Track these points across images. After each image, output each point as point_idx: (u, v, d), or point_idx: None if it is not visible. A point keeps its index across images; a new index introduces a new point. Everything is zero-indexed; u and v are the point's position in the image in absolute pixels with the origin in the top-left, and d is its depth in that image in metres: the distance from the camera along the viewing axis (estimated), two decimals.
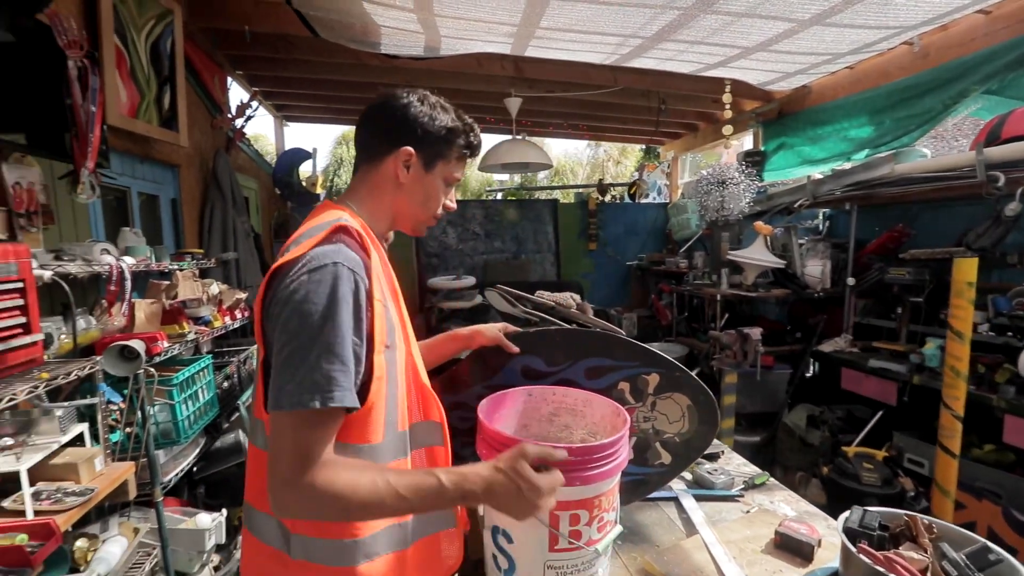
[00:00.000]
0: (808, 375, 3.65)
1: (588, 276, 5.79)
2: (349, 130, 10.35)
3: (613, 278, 5.85)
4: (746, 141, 5.18)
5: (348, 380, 0.71)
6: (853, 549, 0.85)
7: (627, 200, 6.35)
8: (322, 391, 0.68)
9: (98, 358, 1.53)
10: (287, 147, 4.94)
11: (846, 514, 0.95)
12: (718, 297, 3.42)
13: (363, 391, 0.76)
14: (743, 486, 1.35)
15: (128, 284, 1.81)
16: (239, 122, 3.57)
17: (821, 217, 3.85)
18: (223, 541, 1.96)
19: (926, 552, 0.86)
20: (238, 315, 2.60)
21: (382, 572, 0.79)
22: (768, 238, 3.33)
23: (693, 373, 1.14)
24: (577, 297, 2.24)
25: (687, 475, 1.42)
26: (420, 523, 0.86)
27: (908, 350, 2.71)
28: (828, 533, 1.11)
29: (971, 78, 2.61)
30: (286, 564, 0.79)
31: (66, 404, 1.45)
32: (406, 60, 3.29)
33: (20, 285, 1.36)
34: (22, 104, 1.58)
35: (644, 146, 6.30)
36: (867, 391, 2.90)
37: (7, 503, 1.27)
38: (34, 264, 1.44)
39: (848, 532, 0.91)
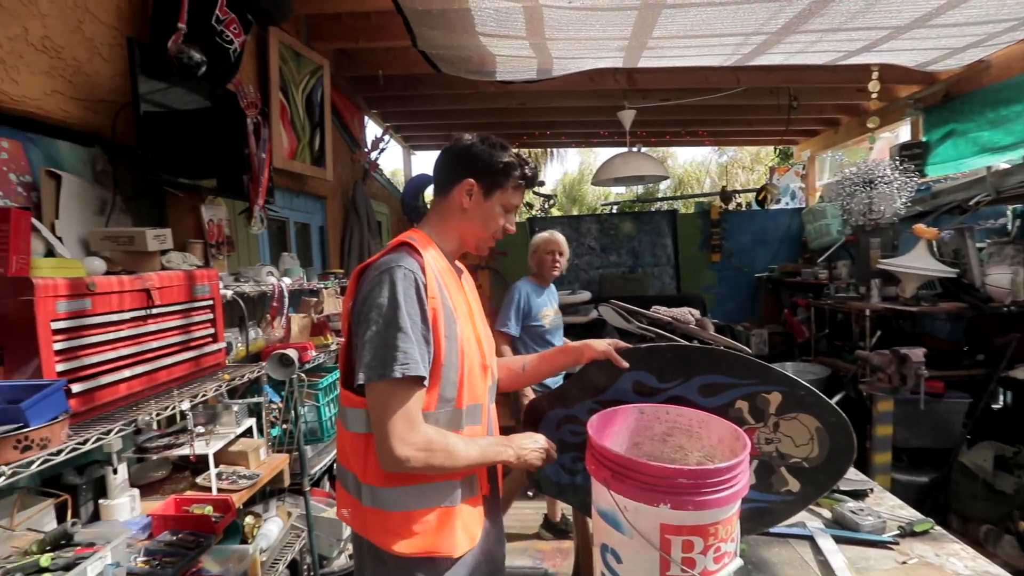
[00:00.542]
0: (995, 407, 3.01)
1: (711, 289, 5.43)
2: None
3: (739, 291, 5.42)
4: (902, 132, 4.52)
5: (419, 354, 0.90)
6: None
7: (755, 207, 5.87)
8: (401, 363, 0.88)
9: (263, 364, 1.80)
10: (414, 173, 5.41)
11: None
12: (867, 312, 2.99)
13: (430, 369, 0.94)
14: (898, 532, 1.16)
15: (286, 301, 2.12)
16: (374, 155, 4.00)
17: (1010, 215, 3.20)
18: None
19: None
20: None
21: (432, 520, 0.97)
22: (933, 243, 2.84)
23: (831, 399, 1.02)
24: (696, 312, 2.14)
25: (825, 512, 1.26)
26: (464, 487, 1.02)
27: None
28: None
29: None
30: (359, 509, 0.99)
31: (240, 401, 1.73)
32: (520, 84, 3.43)
33: (211, 302, 1.66)
34: (215, 156, 1.96)
35: (778, 148, 5.77)
36: None
37: (199, 479, 1.55)
38: (221, 285, 1.76)
39: None
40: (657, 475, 0.80)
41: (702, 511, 0.79)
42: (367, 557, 1.01)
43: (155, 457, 1.50)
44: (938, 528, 1.17)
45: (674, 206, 8.17)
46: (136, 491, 1.37)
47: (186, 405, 1.37)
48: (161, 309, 1.42)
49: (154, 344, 1.39)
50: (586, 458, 0.94)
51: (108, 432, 1.10)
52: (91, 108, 1.50)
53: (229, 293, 1.81)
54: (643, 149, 5.00)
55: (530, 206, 7.16)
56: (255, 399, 1.80)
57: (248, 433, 1.77)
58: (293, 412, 1.96)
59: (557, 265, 2.60)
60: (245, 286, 1.93)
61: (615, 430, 1.05)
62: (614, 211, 7.85)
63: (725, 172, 11.12)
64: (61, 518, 1.22)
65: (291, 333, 2.23)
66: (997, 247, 2.92)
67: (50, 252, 1.30)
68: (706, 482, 0.79)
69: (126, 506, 1.31)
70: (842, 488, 1.32)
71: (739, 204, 6.08)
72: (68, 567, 0.98)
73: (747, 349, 2.14)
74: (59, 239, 1.36)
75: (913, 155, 3.71)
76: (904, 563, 1.06)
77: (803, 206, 5.40)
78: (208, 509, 1.35)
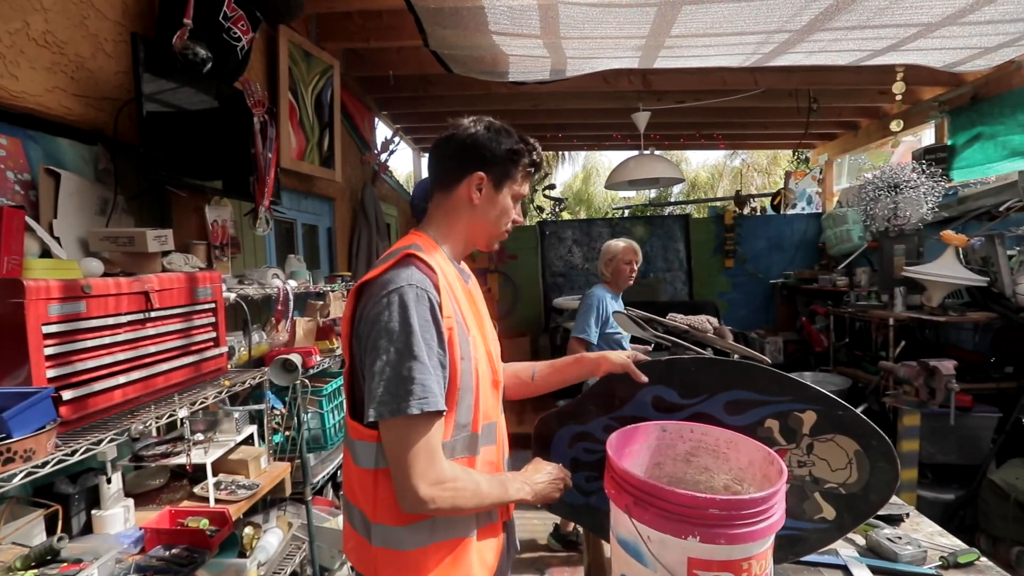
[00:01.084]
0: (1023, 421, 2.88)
1: (725, 296, 5.33)
2: None
3: (754, 298, 5.31)
4: (925, 136, 4.39)
5: (438, 386, 0.81)
6: None
7: (770, 212, 5.75)
8: (418, 397, 0.78)
9: (266, 369, 1.75)
10: (423, 176, 5.37)
11: None
12: (891, 321, 2.88)
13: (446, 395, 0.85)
14: (940, 563, 1.07)
15: (291, 304, 2.07)
16: (383, 156, 3.96)
17: None
18: None
19: None
20: None
21: (448, 554, 0.88)
22: (961, 250, 2.73)
23: (859, 410, 0.94)
24: (714, 320, 2.05)
25: (859, 539, 1.17)
26: (481, 515, 0.93)
27: None
28: None
29: None
30: (368, 549, 0.89)
31: (241, 408, 1.68)
32: (533, 85, 3.37)
33: (213, 306, 1.61)
34: (222, 157, 1.92)
35: (796, 152, 5.65)
36: None
37: (197, 489, 1.50)
38: (224, 288, 1.71)
39: None
40: (686, 504, 0.72)
41: (735, 545, 0.71)
42: None
43: (152, 465, 1.45)
44: (984, 559, 1.08)
45: (687, 210, 8.07)
46: (130, 502, 1.32)
47: (184, 412, 1.32)
48: (160, 312, 1.37)
49: (152, 349, 1.34)
50: (605, 481, 0.87)
51: (99, 442, 1.05)
52: (93, 105, 1.46)
53: (232, 296, 1.76)
54: (656, 152, 4.91)
55: (540, 210, 7.11)
56: (257, 406, 1.75)
57: (249, 441, 1.71)
58: (296, 419, 1.90)
59: (633, 274, 2.60)
60: (249, 289, 1.88)
61: (635, 449, 0.98)
62: (626, 215, 7.77)
63: (739, 176, 10.97)
64: (52, 529, 1.17)
65: (296, 337, 2.18)
66: None
67: (46, 253, 1.25)
68: (740, 513, 0.71)
69: (119, 517, 1.26)
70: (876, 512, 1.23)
71: (754, 209, 5.97)
72: None
73: (767, 359, 2.05)
74: (56, 239, 1.32)
75: (938, 159, 3.59)
76: None
77: (820, 211, 5.28)
78: (204, 522, 1.29)
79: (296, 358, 1.84)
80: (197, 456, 1.44)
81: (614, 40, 2.45)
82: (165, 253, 1.51)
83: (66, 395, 1.06)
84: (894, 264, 2.94)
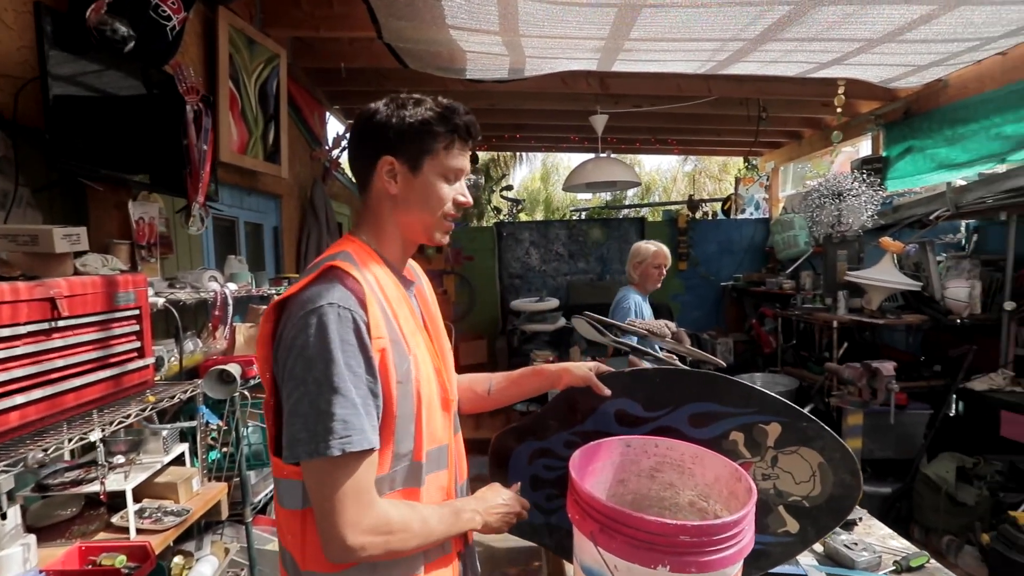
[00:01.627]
0: (951, 416, 3.08)
1: (678, 298, 5.45)
2: None
3: (705, 300, 5.46)
4: (862, 147, 4.64)
5: (363, 420, 0.70)
6: None
7: (721, 216, 5.94)
8: (339, 436, 0.68)
9: (199, 381, 1.60)
10: None
11: None
12: (835, 323, 3.00)
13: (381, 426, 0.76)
14: (894, 568, 1.09)
15: (230, 309, 1.91)
16: (335, 153, 3.79)
17: (964, 231, 3.29)
18: None
19: None
20: None
21: None
22: (897, 256, 2.88)
23: (806, 410, 0.93)
24: (672, 324, 2.06)
25: (818, 547, 1.18)
26: (433, 549, 0.83)
27: None
28: None
29: None
30: None
31: (170, 426, 1.52)
32: (490, 84, 3.31)
33: (137, 312, 1.45)
34: (149, 147, 1.74)
35: (746, 159, 5.86)
36: None
37: (116, 519, 1.34)
38: (150, 292, 1.55)
39: None
40: (655, 532, 0.68)
41: (706, 573, 0.67)
42: None
43: (60, 494, 1.28)
44: (934, 562, 1.11)
45: (641, 213, 8.23)
46: (32, 538, 1.15)
47: (97, 434, 1.17)
48: (71, 321, 1.21)
49: (60, 363, 1.18)
50: (568, 504, 0.81)
51: None
52: None
53: (160, 301, 1.60)
54: (612, 155, 4.95)
55: (498, 211, 7.05)
56: (189, 422, 1.59)
57: (180, 461, 1.56)
58: (235, 434, 1.75)
59: (661, 278, 2.65)
60: (181, 293, 1.71)
61: (598, 466, 0.93)
62: (583, 217, 7.84)
63: (692, 181, 11.32)
64: None
65: (236, 345, 2.02)
66: (954, 261, 3.00)
67: None
68: (712, 539, 0.67)
69: (16, 558, 1.09)
70: None
71: (705, 213, 6.15)
72: None
73: (722, 363, 2.07)
74: None
75: (874, 169, 3.79)
76: None
77: (767, 216, 5.50)
78: (121, 560, 1.15)
79: (235, 368, 1.70)
80: (115, 482, 1.29)
81: (573, 40, 2.43)
82: (78, 254, 1.34)
83: None
84: (837, 269, 3.07)
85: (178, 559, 1.46)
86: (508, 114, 4.37)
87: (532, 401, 3.40)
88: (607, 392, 0.99)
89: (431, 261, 4.87)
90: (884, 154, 3.86)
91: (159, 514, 1.36)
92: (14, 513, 1.13)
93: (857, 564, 1.08)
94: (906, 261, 3.06)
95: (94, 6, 1.35)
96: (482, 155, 9.34)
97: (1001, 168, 2.86)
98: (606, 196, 8.54)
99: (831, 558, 1.13)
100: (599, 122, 3.89)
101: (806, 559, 1.12)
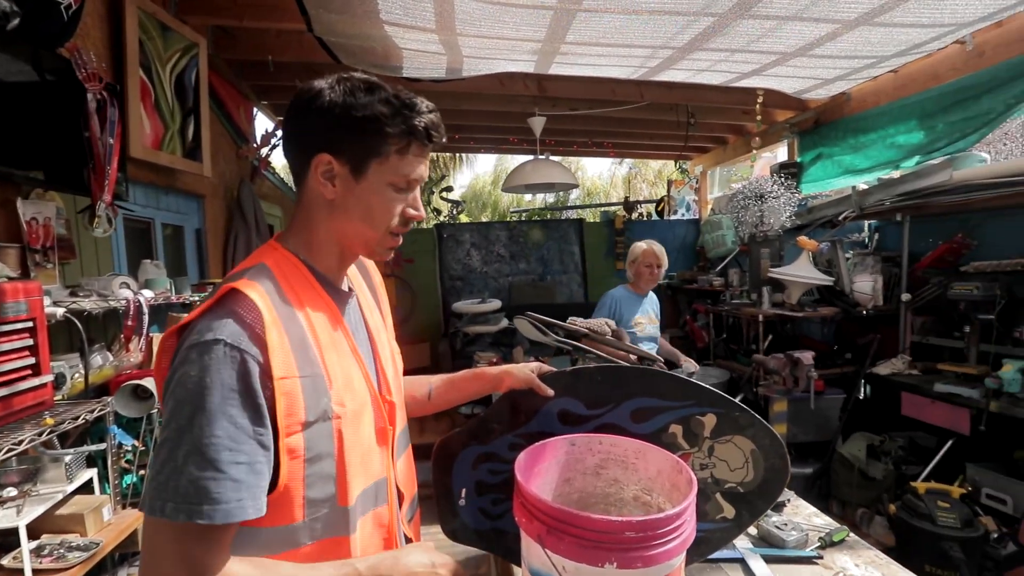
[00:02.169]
0: (861, 399, 3.38)
1: None
2: None
3: None
4: (780, 153, 4.99)
5: (225, 488, 0.57)
6: None
7: (655, 217, 6.19)
8: (190, 503, 0.56)
9: (109, 399, 1.45)
10: None
11: None
12: (760, 317, 3.21)
13: (276, 472, 0.64)
14: (819, 543, 1.17)
15: (146, 318, 1.76)
16: (264, 151, 3.58)
17: (867, 229, 3.62)
18: None
19: None
20: None
21: None
22: (812, 254, 3.12)
23: (737, 399, 0.98)
24: (612, 323, 2.11)
25: (752, 529, 1.24)
26: None
27: (981, 373, 2.45)
28: None
29: None
30: None
31: (74, 451, 1.37)
32: (427, 83, 3.25)
33: (30, 324, 1.30)
34: (42, 140, 1.56)
35: (678, 164, 6.14)
36: (933, 418, 2.64)
37: (7, 560, 1.19)
38: (47, 301, 1.38)
39: None
40: (601, 529, 0.68)
41: (652, 567, 0.68)
42: None
43: None
44: (853, 536, 1.20)
45: (582, 215, 8.42)
46: None
47: None
48: None
49: None
50: (515, 507, 0.80)
51: None
52: None
53: (60, 311, 1.43)
54: (551, 157, 5.03)
55: (437, 212, 6.97)
56: (96, 446, 1.44)
57: (88, 488, 1.41)
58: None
59: (654, 278, 2.63)
60: (85, 302, 1.55)
61: (544, 467, 0.93)
62: (523, 219, 7.91)
63: (628, 184, 11.74)
64: None
65: (152, 357, 1.85)
66: (860, 258, 3.28)
67: None
68: (656, 532, 0.68)
69: None
70: None
71: (641, 215, 6.38)
72: None
73: (660, 359, 2.14)
74: None
75: (790, 173, 4.09)
76: None
77: (697, 217, 5.78)
78: None
79: (150, 382, 1.56)
80: (5, 518, 1.14)
81: (511, 42, 2.44)
82: None
83: None
84: (761, 266, 3.28)
85: None
86: (446, 115, 4.22)
87: (477, 403, 3.37)
88: (550, 393, 0.99)
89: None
90: (799, 159, 4.17)
91: (62, 550, 1.22)
92: None
93: (787, 543, 1.15)
94: (820, 258, 3.31)
95: None
96: None
97: (896, 174, 3.17)
98: (549, 198, 8.67)
99: (764, 539, 1.19)
100: (537, 124, 3.93)
101: (742, 542, 1.18)
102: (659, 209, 6.06)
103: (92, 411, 1.38)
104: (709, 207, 5.61)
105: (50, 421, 1.24)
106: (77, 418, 1.33)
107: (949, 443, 2.55)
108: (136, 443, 1.63)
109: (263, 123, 4.09)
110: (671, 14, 2.03)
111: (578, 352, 1.96)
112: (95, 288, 1.66)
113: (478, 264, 5.47)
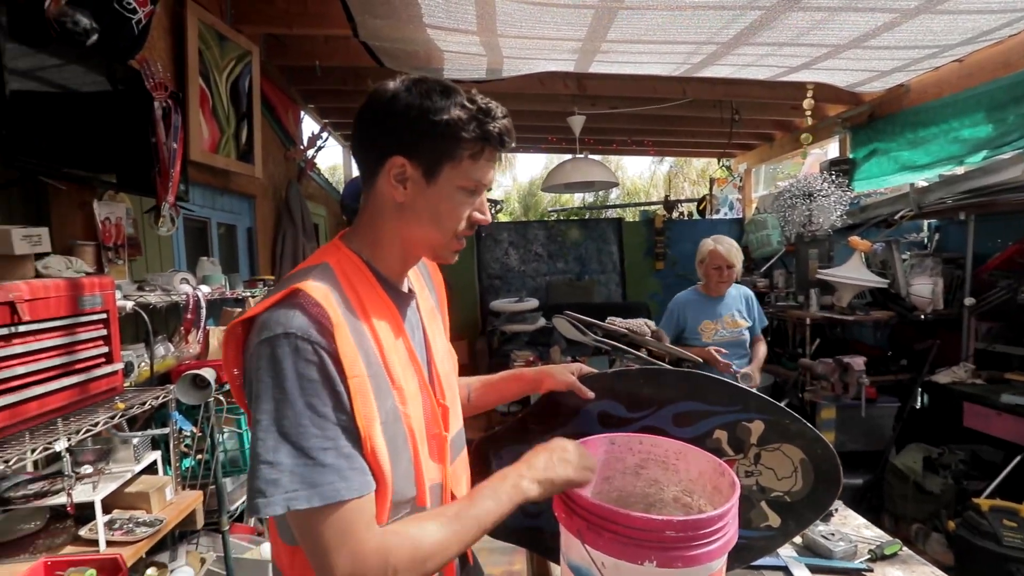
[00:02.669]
0: (918, 408, 3.20)
1: (655, 297, 5.52)
2: None
3: None
4: (830, 149, 4.78)
5: (327, 474, 0.59)
6: None
7: (696, 217, 6.05)
8: (288, 492, 0.58)
9: (172, 387, 1.55)
10: (355, 175, 5.13)
11: None
12: (807, 320, 3.09)
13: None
14: (869, 556, 1.12)
15: (203, 312, 1.86)
16: (310, 152, 3.72)
17: (927, 229, 3.42)
18: None
19: None
20: None
21: None
22: (865, 254, 2.98)
23: (782, 404, 0.96)
24: (652, 324, 2.08)
25: (796, 538, 1.20)
26: None
27: None
28: None
29: None
30: None
31: (141, 433, 1.47)
32: (467, 84, 3.29)
33: (104, 316, 1.40)
34: (115, 145, 1.68)
35: (721, 162, 5.98)
36: (999, 431, 2.48)
37: (84, 531, 1.29)
38: (118, 295, 1.49)
39: None
40: (641, 527, 0.68)
41: (692, 567, 0.68)
42: None
43: (23, 508, 1.22)
44: (906, 549, 1.14)
45: (621, 215, 8.32)
46: None
47: (62, 444, 1.12)
48: (32, 326, 1.16)
49: (21, 369, 1.13)
50: (554, 503, 0.81)
51: None
52: None
53: (129, 304, 1.54)
54: (591, 156, 5.00)
55: None
56: (161, 429, 1.54)
57: (152, 469, 1.50)
58: (209, 441, 1.70)
59: (725, 280, 2.35)
60: (151, 296, 1.66)
61: None
62: (561, 218, 7.89)
63: (669, 183, 11.50)
64: None
65: (209, 349, 1.97)
66: (918, 259, 3.11)
67: None
68: (697, 534, 0.68)
69: None
70: None
71: (681, 214, 6.25)
72: None
73: (699, 359, 2.09)
74: None
75: (842, 170, 3.92)
76: None
77: (740, 216, 5.62)
78: (90, 574, 1.10)
79: (209, 373, 1.65)
80: (82, 493, 1.24)
81: (551, 41, 2.44)
82: (39, 256, 1.29)
83: None
84: (808, 267, 3.15)
85: (151, 571, 1.41)
86: None
87: (514, 403, 3.40)
88: (590, 395, 0.99)
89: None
90: (851, 156, 3.98)
91: (130, 525, 1.32)
92: None
93: (834, 554, 1.11)
94: (873, 259, 3.16)
95: None
96: None
97: (960, 170, 2.98)
98: (588, 198, 8.61)
99: (809, 549, 1.16)
100: (577, 123, 3.91)
101: (785, 551, 1.15)
102: (701, 208, 5.93)
103: (156, 398, 1.48)
104: (753, 206, 5.44)
105: (121, 406, 1.34)
106: (144, 404, 1.42)
107: (1018, 458, 2.38)
108: (194, 429, 1.73)
109: (309, 126, 4.24)
110: (716, 9, 1.98)
111: (616, 352, 1.95)
112: (159, 283, 1.77)
113: (516, 263, 5.49)
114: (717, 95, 3.86)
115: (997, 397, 2.42)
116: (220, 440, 1.74)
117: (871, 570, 1.08)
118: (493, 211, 6.72)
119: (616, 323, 2.08)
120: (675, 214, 5.94)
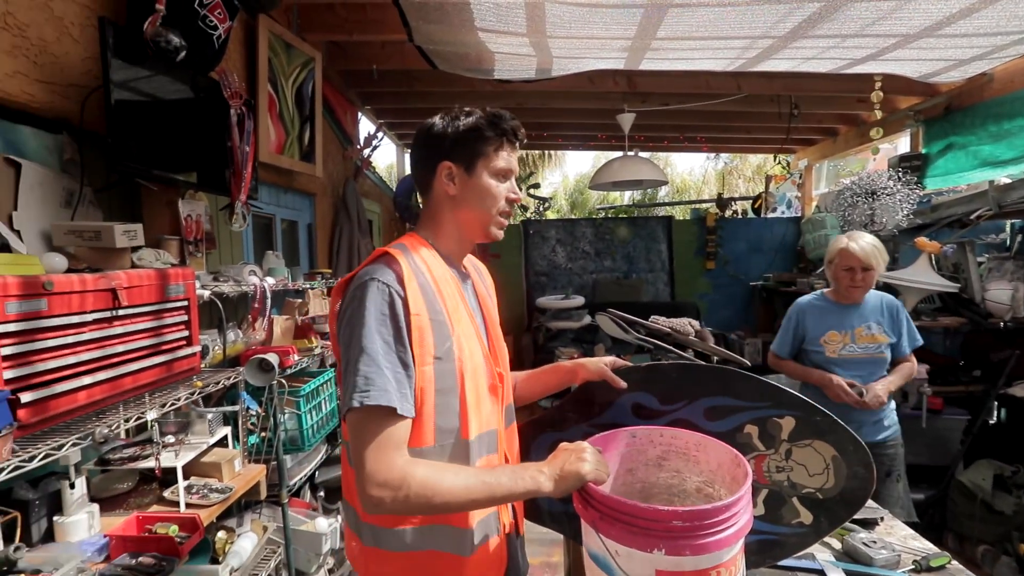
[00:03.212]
0: (991, 423, 2.98)
1: (705, 297, 5.39)
2: None
3: (734, 299, 5.38)
4: (900, 144, 4.49)
5: (386, 381, 0.77)
6: None
7: (751, 215, 5.84)
8: (360, 390, 0.76)
9: (241, 369, 1.70)
10: (407, 172, 5.31)
11: None
12: None
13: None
14: (913, 567, 1.09)
15: (268, 302, 2.02)
16: (366, 152, 3.90)
17: (1009, 230, 3.17)
18: (338, 546, 2.07)
19: None
20: None
21: (441, 567, 0.86)
22: (934, 257, 2.80)
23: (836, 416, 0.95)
24: (696, 323, 2.07)
25: (836, 543, 1.19)
26: (478, 532, 0.88)
27: None
28: None
29: None
30: (362, 550, 0.89)
31: (215, 410, 1.63)
32: (518, 84, 3.35)
33: (185, 303, 1.56)
34: (196, 149, 1.86)
35: (778, 158, 5.74)
36: None
37: (167, 493, 1.45)
38: (197, 285, 1.66)
39: None
40: (649, 518, 0.72)
41: (701, 555, 0.71)
42: None
43: (119, 469, 1.39)
44: (955, 563, 1.10)
45: (671, 212, 8.14)
46: (95, 507, 1.27)
47: (153, 414, 1.28)
48: (129, 310, 1.32)
49: (119, 348, 1.29)
50: (573, 495, 0.85)
51: (60, 447, 1.01)
52: (59, 92, 1.40)
53: (206, 293, 1.71)
54: (640, 154, 4.94)
55: (525, 208, 7.10)
56: (231, 407, 1.70)
57: (223, 443, 1.67)
58: (272, 420, 1.86)
59: (858, 285, 1.91)
60: (224, 286, 1.83)
61: (606, 457, 0.97)
62: (609, 215, 7.81)
63: (722, 180, 11.10)
64: (10, 537, 1.11)
65: (273, 336, 2.13)
66: (997, 262, 2.89)
67: (5, 247, 1.20)
68: (703, 523, 0.71)
69: (83, 524, 1.21)
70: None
71: (735, 212, 6.05)
72: None
73: (747, 362, 2.06)
74: (16, 233, 1.26)
75: (912, 167, 3.68)
76: None
77: (799, 215, 5.38)
78: (173, 529, 1.25)
79: (273, 357, 1.80)
80: (167, 459, 1.39)
81: (600, 40, 2.45)
82: (135, 249, 1.46)
83: (25, 397, 1.01)
84: None
85: (221, 534, 1.57)
86: (535, 113, 4.40)
87: (556, 397, 3.44)
88: (622, 385, 1.03)
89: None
90: (923, 151, 3.73)
91: (205, 491, 1.47)
92: (81, 484, 1.24)
93: (875, 561, 1.09)
94: (944, 262, 2.96)
95: (150, 19, 1.46)
96: None
97: None
98: (636, 195, 8.48)
99: (849, 555, 1.14)
100: (626, 120, 3.89)
101: (823, 555, 1.14)
102: (755, 206, 5.71)
103: (228, 378, 1.63)
104: (814, 204, 5.19)
105: (198, 384, 1.49)
106: (217, 383, 1.58)
107: None
108: (259, 409, 1.89)
109: (366, 126, 4.44)
110: (770, 3, 1.93)
111: (659, 351, 1.95)
112: (231, 275, 1.94)
113: (563, 260, 5.51)
114: (775, 89, 3.73)
115: None
116: (282, 420, 1.89)
117: None
118: (541, 208, 6.76)
119: (659, 322, 2.09)
120: (728, 212, 5.75)
